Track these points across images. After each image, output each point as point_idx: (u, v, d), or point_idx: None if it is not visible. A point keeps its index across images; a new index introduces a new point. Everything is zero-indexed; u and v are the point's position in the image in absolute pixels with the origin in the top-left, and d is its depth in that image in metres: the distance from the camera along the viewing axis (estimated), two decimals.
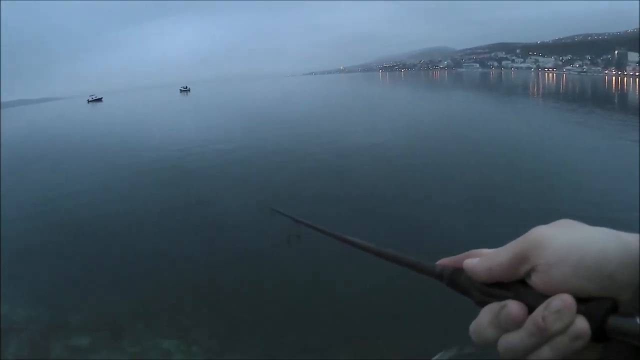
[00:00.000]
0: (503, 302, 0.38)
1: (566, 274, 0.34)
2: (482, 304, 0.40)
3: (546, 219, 0.40)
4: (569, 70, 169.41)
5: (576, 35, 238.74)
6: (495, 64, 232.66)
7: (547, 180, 12.78)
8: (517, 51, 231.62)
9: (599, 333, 0.33)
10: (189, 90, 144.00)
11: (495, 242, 0.41)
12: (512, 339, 0.36)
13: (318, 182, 13.75)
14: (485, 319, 0.39)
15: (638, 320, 0.31)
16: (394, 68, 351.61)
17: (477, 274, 0.40)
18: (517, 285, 0.38)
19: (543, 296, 0.36)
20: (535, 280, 0.37)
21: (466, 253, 0.44)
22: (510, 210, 10.31)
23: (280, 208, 1.21)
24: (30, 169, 21.10)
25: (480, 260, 0.41)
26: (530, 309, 0.36)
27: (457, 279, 0.42)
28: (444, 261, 0.45)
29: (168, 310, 7.29)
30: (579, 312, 0.34)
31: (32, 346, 6.59)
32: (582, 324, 0.33)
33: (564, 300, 0.34)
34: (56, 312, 7.35)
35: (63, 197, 14.56)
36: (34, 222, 12.09)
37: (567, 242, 0.36)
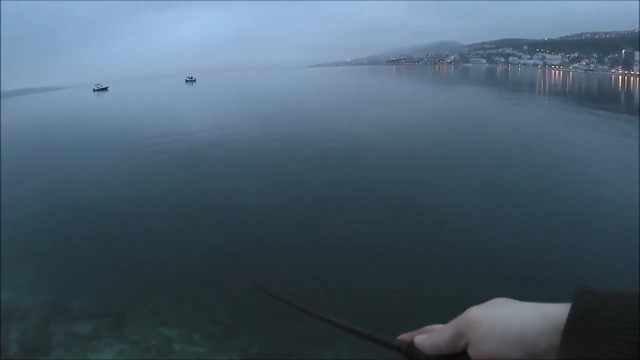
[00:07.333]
0: None
1: (493, 346, 0.43)
2: None
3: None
4: (575, 68, 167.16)
5: (583, 34, 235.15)
6: (502, 59, 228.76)
7: (549, 179, 12.81)
8: (524, 47, 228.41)
9: None
10: (194, 80, 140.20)
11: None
12: None
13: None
14: None
15: None
16: (401, 62, 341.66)
17: (426, 348, 0.50)
18: (460, 356, 0.47)
19: None
20: (471, 352, 0.46)
21: (421, 329, 0.54)
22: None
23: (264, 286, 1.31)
24: (32, 158, 20.93)
25: (428, 337, 0.50)
26: None
27: (412, 353, 0.51)
28: (404, 336, 0.54)
29: (170, 297, 7.31)
30: None
31: (35, 332, 6.64)
32: None
33: None
34: (59, 299, 7.41)
35: (67, 183, 14.64)
36: (36, 210, 12.13)
37: (494, 319, 0.44)
